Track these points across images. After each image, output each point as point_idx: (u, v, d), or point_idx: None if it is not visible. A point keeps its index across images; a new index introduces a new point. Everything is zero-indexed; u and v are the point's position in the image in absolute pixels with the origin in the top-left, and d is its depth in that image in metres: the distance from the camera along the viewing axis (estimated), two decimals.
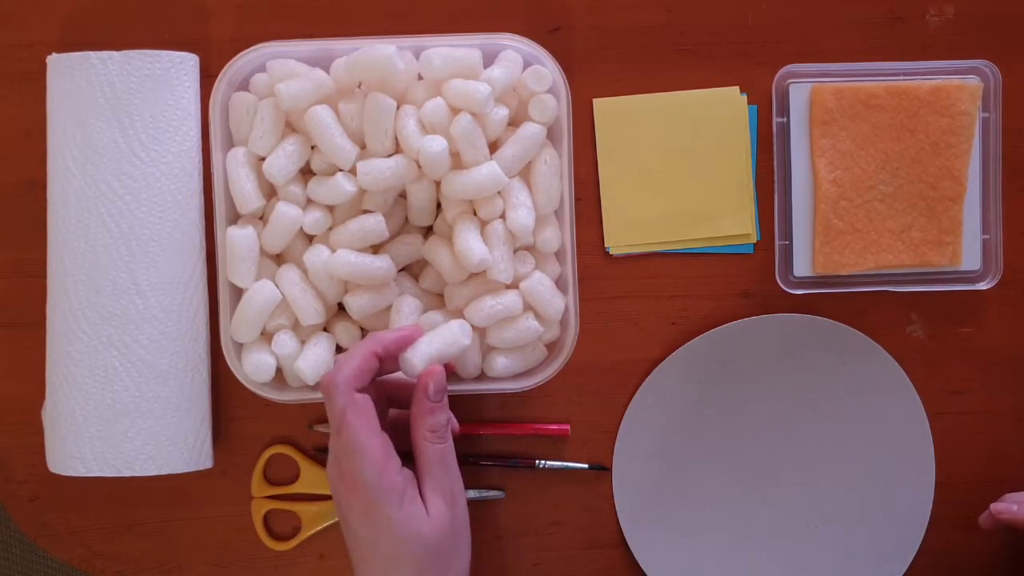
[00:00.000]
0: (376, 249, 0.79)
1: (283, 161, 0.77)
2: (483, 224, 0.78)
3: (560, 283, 0.79)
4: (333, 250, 0.77)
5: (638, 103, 0.84)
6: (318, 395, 0.78)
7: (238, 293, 0.78)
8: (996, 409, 0.85)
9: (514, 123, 0.79)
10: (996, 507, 0.79)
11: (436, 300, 0.80)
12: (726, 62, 0.84)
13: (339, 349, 0.79)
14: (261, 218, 0.79)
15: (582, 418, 0.84)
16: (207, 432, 0.80)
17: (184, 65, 0.78)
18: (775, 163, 0.83)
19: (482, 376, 0.80)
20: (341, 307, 0.80)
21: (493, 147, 0.78)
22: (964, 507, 0.84)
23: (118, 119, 0.77)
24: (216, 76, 0.78)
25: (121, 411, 0.77)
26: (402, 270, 0.80)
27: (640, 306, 0.84)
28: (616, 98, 0.84)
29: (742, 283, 0.84)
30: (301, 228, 0.78)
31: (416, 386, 0.74)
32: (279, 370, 0.79)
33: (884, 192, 0.83)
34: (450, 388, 0.76)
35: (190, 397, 0.79)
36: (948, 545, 0.84)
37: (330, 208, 0.78)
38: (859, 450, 0.84)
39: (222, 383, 0.83)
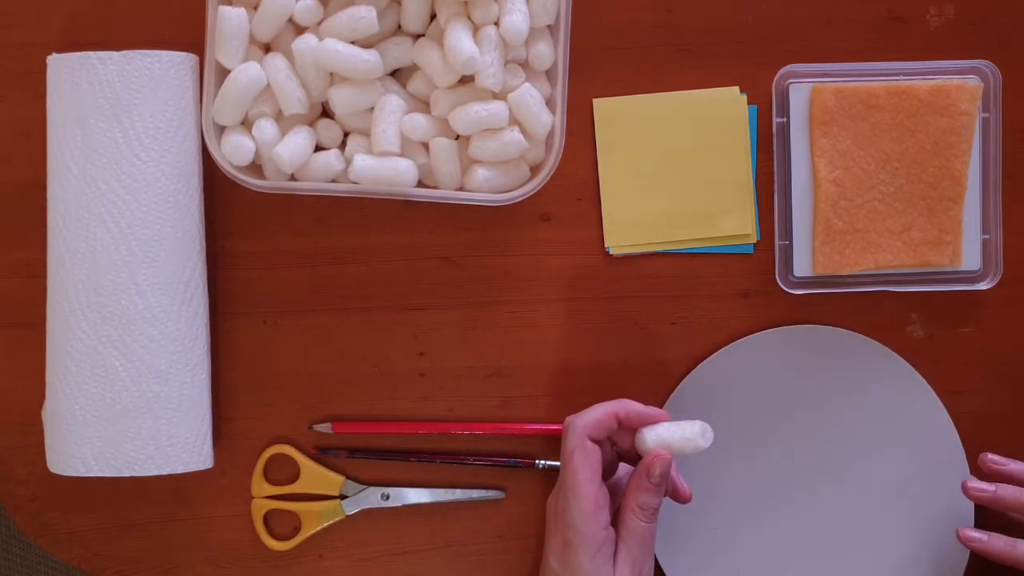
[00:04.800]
0: (366, 47, 0.79)
1: None
2: (476, 29, 0.77)
3: (550, 104, 0.79)
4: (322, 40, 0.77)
5: (638, 103, 0.84)
6: (293, 185, 0.78)
7: (223, 78, 0.78)
8: (996, 409, 0.85)
9: None
10: (965, 534, 0.79)
11: (422, 107, 0.80)
12: (726, 62, 0.84)
13: (319, 148, 0.79)
14: (256, 8, 0.78)
15: None
16: (207, 432, 0.80)
17: (184, 65, 0.78)
18: (775, 163, 0.83)
19: (461, 188, 0.80)
20: (325, 112, 0.80)
21: None
22: None
23: (118, 119, 0.77)
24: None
25: (121, 411, 0.77)
26: (391, 76, 0.80)
27: (640, 306, 0.84)
28: (616, 98, 0.84)
29: (742, 283, 0.84)
30: (292, 18, 0.78)
31: (642, 462, 0.76)
32: (258, 167, 0.79)
33: (884, 192, 0.83)
34: (429, 196, 0.78)
35: (190, 397, 0.79)
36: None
37: (323, 1, 0.78)
38: (887, 464, 0.83)
39: (222, 383, 0.83)
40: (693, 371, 0.83)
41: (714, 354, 0.83)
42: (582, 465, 0.75)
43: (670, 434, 0.76)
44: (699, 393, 0.83)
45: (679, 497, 0.79)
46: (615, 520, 0.77)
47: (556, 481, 0.78)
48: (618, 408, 0.77)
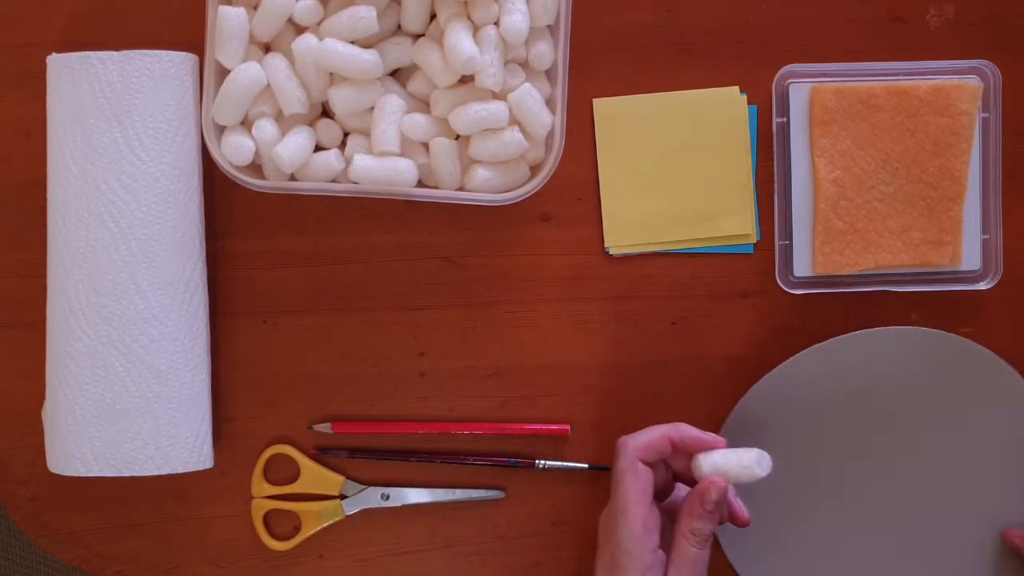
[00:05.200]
0: (366, 47, 0.78)
1: None
2: (476, 29, 0.77)
3: (550, 104, 0.79)
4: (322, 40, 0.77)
5: (638, 103, 0.84)
6: (293, 185, 0.78)
7: (223, 78, 0.78)
8: None
9: None
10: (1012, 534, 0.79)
11: (422, 107, 0.80)
12: (726, 62, 0.84)
13: (319, 148, 0.79)
14: (256, 8, 0.78)
15: (582, 418, 0.84)
16: (207, 432, 0.80)
17: (184, 65, 0.78)
18: (775, 163, 0.83)
19: (461, 188, 0.80)
20: (325, 112, 0.80)
21: None
22: None
23: (118, 119, 0.77)
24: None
25: (121, 411, 0.77)
26: (391, 76, 0.80)
27: (640, 306, 0.84)
28: (616, 98, 0.84)
29: (742, 283, 0.84)
30: (292, 18, 0.78)
31: (696, 488, 0.75)
32: (258, 167, 0.79)
33: (884, 192, 0.83)
34: (429, 196, 0.78)
35: (190, 397, 0.79)
36: None
37: (323, 1, 0.78)
38: (979, 471, 0.82)
39: (222, 383, 0.83)
40: (754, 386, 0.82)
41: (779, 365, 0.81)
42: (632, 487, 0.74)
43: (726, 461, 0.75)
44: (764, 408, 0.82)
45: (737, 521, 0.78)
46: (668, 542, 0.76)
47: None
48: (672, 432, 0.76)
